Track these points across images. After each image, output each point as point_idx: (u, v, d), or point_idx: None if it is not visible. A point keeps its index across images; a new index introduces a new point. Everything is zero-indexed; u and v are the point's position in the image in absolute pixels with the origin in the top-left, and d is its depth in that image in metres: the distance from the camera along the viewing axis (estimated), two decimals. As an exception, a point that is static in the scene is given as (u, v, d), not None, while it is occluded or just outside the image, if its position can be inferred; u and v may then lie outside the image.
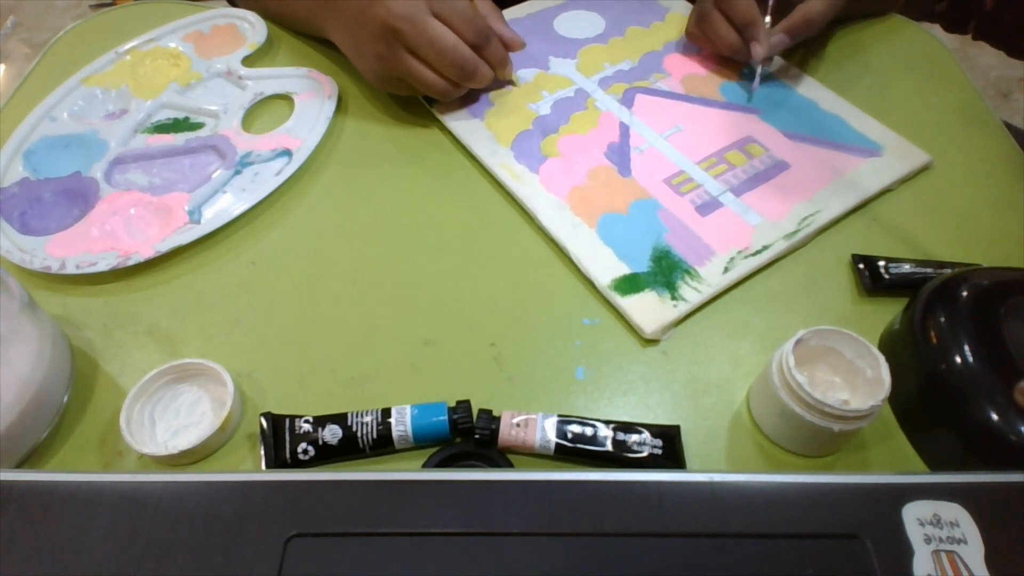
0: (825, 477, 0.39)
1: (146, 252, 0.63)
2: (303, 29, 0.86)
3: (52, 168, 0.71)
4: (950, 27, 0.97)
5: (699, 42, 0.82)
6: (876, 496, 0.38)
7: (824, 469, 0.53)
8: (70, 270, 0.62)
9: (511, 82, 0.79)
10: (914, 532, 0.37)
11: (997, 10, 0.92)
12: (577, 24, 0.87)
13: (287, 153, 0.71)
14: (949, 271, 0.58)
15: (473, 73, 0.71)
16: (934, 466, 0.52)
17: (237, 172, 0.70)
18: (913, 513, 0.38)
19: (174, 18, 0.86)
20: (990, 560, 0.36)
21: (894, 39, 0.86)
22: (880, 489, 0.39)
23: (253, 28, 0.85)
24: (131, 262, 0.62)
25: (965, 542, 0.37)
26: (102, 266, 0.62)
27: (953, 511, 0.38)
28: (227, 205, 0.67)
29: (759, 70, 0.76)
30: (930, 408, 0.52)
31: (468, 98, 0.77)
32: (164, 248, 0.63)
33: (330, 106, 0.76)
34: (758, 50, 0.75)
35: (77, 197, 0.68)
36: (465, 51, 0.69)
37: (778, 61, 0.81)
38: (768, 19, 0.75)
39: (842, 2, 0.76)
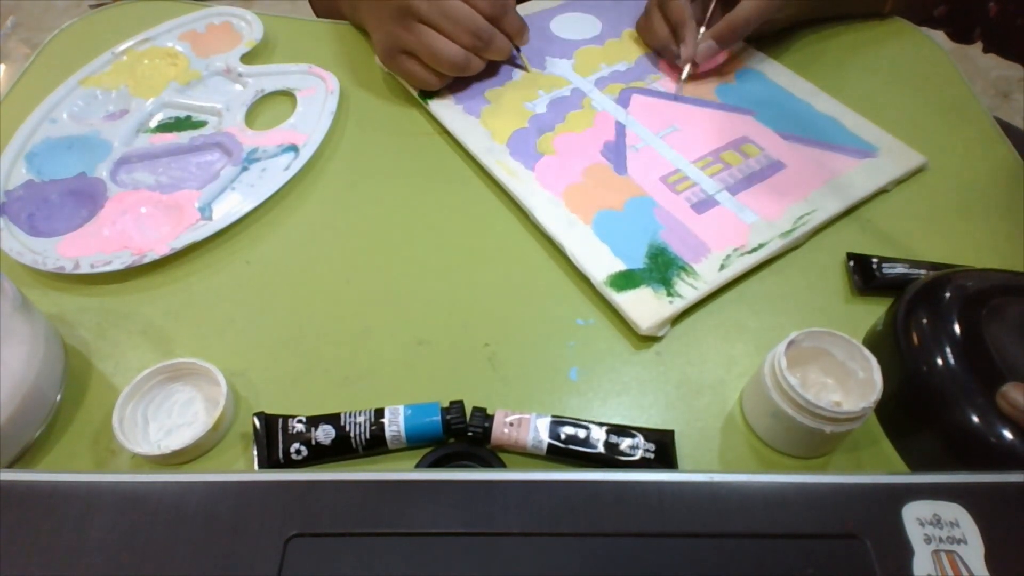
0: (825, 477, 0.39)
1: (161, 249, 0.63)
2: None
3: (56, 169, 0.70)
4: (955, 36, 0.94)
5: (642, 35, 0.84)
6: (876, 496, 0.38)
7: (818, 469, 0.53)
8: (84, 270, 0.62)
9: (524, 67, 0.80)
10: (914, 532, 0.37)
11: (1003, 17, 0.88)
12: (574, 25, 0.87)
13: (293, 148, 0.72)
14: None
15: (490, 40, 0.73)
16: (915, 468, 0.52)
17: (244, 168, 0.70)
18: (913, 513, 0.38)
19: (167, 17, 0.85)
20: (990, 560, 0.36)
21: (890, 40, 0.86)
22: (880, 489, 0.39)
23: (250, 26, 0.85)
24: (146, 260, 0.62)
25: (965, 542, 0.37)
26: (117, 265, 0.62)
27: (953, 511, 0.38)
28: (238, 201, 0.68)
29: (685, 70, 0.78)
30: (911, 410, 0.52)
31: (466, 97, 0.77)
32: (179, 245, 0.63)
33: (333, 101, 0.76)
34: (683, 51, 0.77)
35: (84, 198, 0.68)
36: (480, 19, 0.71)
37: (775, 63, 0.81)
38: (703, 29, 0.77)
39: (773, 5, 0.76)
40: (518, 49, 0.79)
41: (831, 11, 0.87)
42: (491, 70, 0.80)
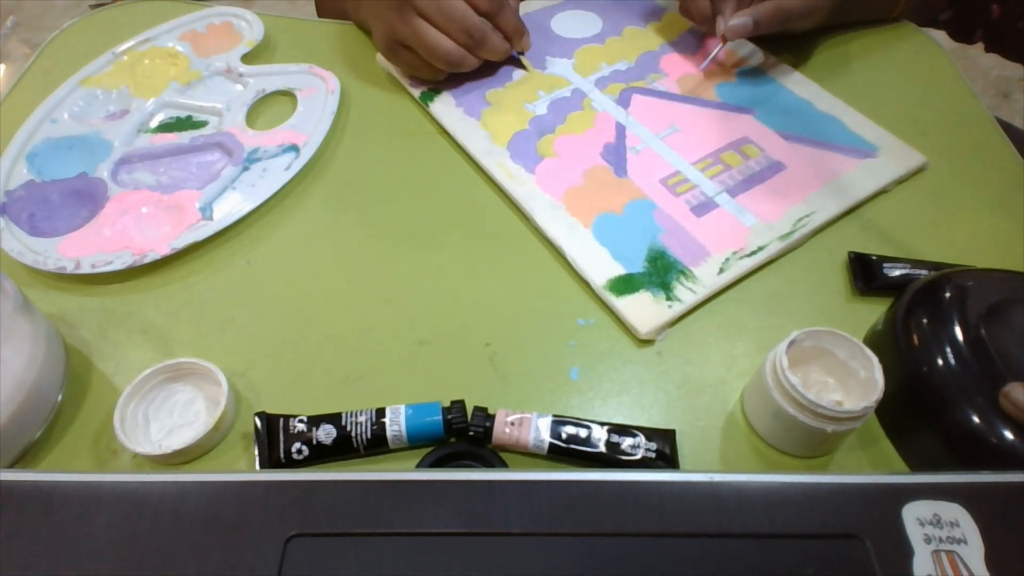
0: (825, 477, 0.39)
1: (162, 249, 0.63)
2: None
3: (57, 170, 0.70)
4: (956, 36, 0.94)
5: (684, 10, 0.83)
6: (876, 496, 0.38)
7: (818, 469, 0.53)
8: (85, 270, 0.62)
9: (525, 68, 0.80)
10: (914, 532, 0.37)
11: (1006, 19, 0.88)
12: (574, 24, 0.87)
13: (294, 148, 0.72)
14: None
15: (482, 40, 0.72)
16: (915, 468, 0.52)
17: (245, 168, 0.71)
18: (913, 513, 0.38)
19: (168, 17, 0.85)
20: (990, 560, 0.36)
21: (891, 40, 0.86)
22: (880, 489, 0.39)
23: (250, 26, 0.85)
24: (147, 260, 0.62)
25: (965, 542, 0.37)
26: (118, 264, 0.62)
27: (953, 511, 0.38)
28: (238, 201, 0.68)
29: (717, 48, 0.77)
30: (912, 410, 0.52)
31: (466, 99, 0.77)
32: (180, 245, 0.63)
33: (333, 101, 0.76)
34: (719, 24, 0.75)
35: (85, 197, 0.68)
36: (474, 17, 0.71)
37: (776, 61, 0.81)
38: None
39: (825, 6, 0.75)
40: (520, 51, 0.79)
41: (844, 20, 0.86)
42: (492, 71, 0.80)
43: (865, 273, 0.62)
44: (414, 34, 0.71)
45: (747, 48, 0.83)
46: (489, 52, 0.74)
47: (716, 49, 0.77)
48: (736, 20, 0.73)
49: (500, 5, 0.72)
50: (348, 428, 0.52)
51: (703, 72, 0.79)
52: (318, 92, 0.77)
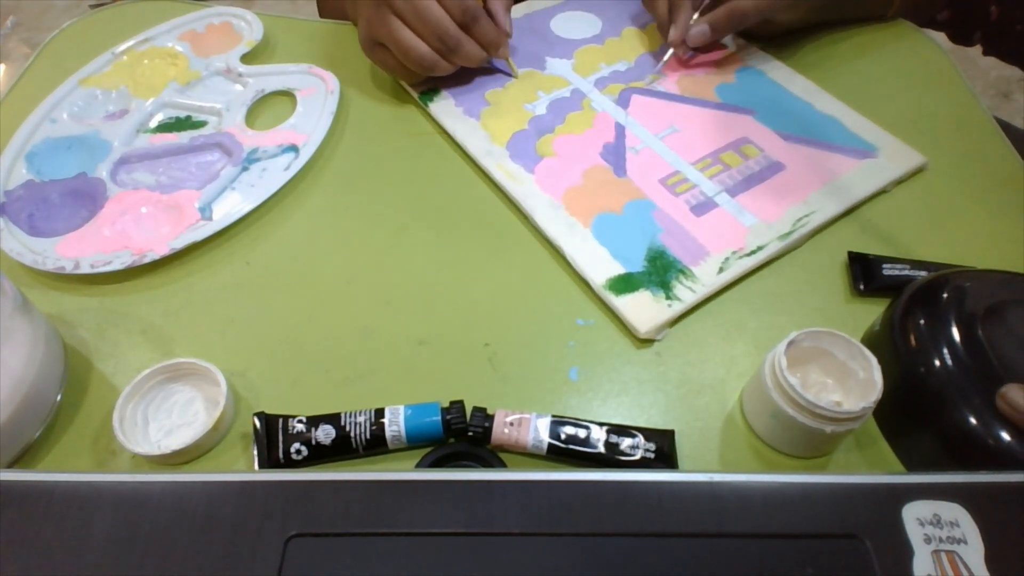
0: (824, 477, 0.39)
1: (161, 250, 0.63)
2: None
3: (56, 169, 0.70)
4: (955, 38, 0.94)
5: (646, 8, 0.84)
6: (876, 496, 0.38)
7: (817, 470, 0.53)
8: (84, 270, 0.62)
9: (511, 73, 0.80)
10: (914, 532, 0.37)
11: (1004, 20, 0.88)
12: (574, 24, 0.87)
13: (293, 148, 0.72)
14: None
15: (456, 47, 0.71)
16: (912, 468, 0.52)
17: (244, 168, 0.71)
18: (913, 513, 0.38)
19: (167, 17, 0.85)
20: (990, 560, 0.36)
21: (892, 40, 0.86)
22: (880, 489, 0.39)
23: (250, 26, 0.85)
24: (146, 260, 0.62)
25: (965, 542, 0.37)
26: (117, 265, 0.62)
27: (953, 511, 0.38)
28: (238, 201, 0.68)
29: (668, 53, 0.79)
30: (908, 411, 0.52)
31: (465, 99, 0.77)
32: (179, 245, 0.63)
33: (333, 101, 0.76)
34: (672, 32, 0.78)
35: (84, 198, 0.68)
36: (449, 24, 0.70)
37: (776, 61, 0.81)
38: (696, 15, 0.78)
39: (777, 4, 0.76)
40: (507, 58, 0.79)
41: (835, 16, 0.86)
42: (490, 71, 0.80)
43: (864, 273, 0.62)
44: (389, 34, 0.71)
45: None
46: (464, 59, 0.73)
47: (667, 54, 0.79)
48: (694, 28, 0.77)
49: (474, 16, 0.72)
50: (347, 428, 0.52)
51: (661, 71, 0.80)
52: (318, 92, 0.77)
